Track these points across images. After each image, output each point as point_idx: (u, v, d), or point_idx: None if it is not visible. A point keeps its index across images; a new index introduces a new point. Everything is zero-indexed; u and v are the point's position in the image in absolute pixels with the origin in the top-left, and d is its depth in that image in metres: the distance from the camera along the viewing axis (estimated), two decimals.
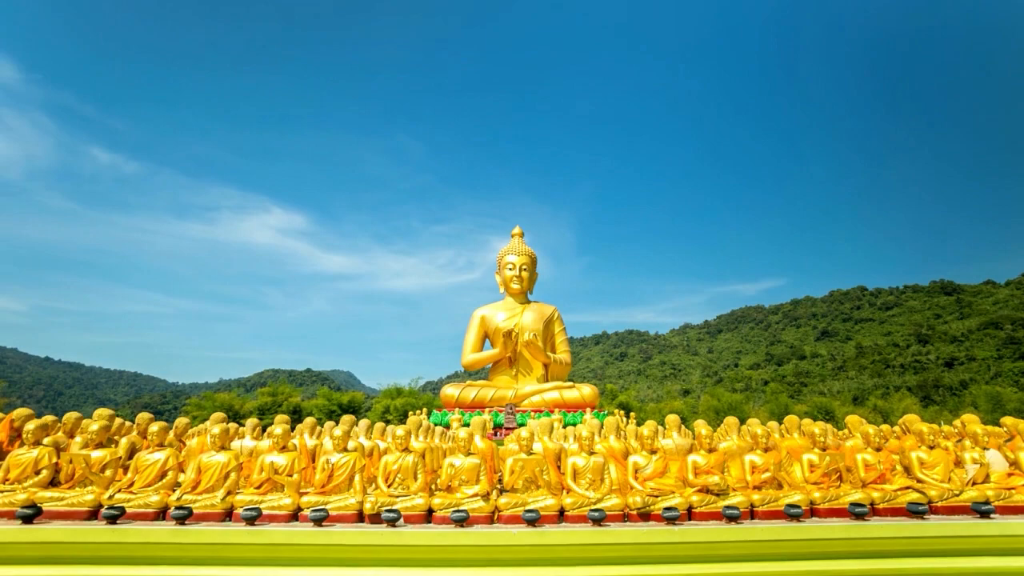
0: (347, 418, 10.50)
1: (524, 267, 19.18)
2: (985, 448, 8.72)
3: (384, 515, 7.05)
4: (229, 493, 7.46)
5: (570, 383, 17.61)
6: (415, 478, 7.89)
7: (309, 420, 10.79)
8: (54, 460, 7.75)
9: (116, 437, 9.02)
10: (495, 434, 14.62)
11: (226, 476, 7.62)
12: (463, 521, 7.06)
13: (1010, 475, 8.36)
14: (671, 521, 7.22)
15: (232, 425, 9.77)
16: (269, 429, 8.91)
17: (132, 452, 8.45)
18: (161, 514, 7.30)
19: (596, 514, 7.21)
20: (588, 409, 16.52)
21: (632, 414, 16.17)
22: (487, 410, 16.26)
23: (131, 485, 7.62)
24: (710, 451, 8.51)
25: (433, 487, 7.95)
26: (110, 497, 7.34)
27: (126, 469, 7.97)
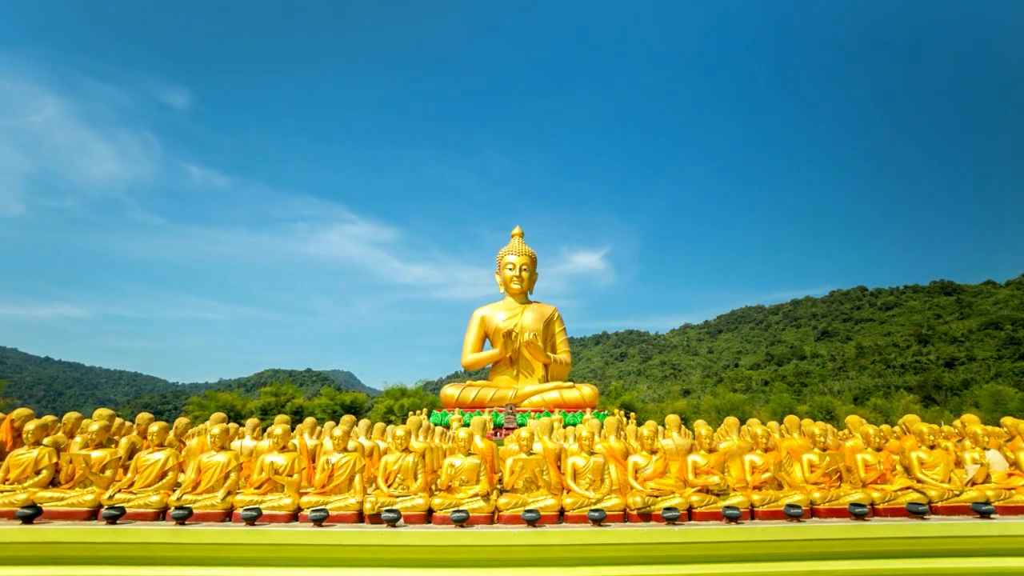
0: (347, 418, 10.49)
1: (524, 267, 19.17)
2: (985, 448, 8.72)
3: (384, 515, 7.05)
4: (229, 493, 7.46)
5: (570, 383, 17.60)
6: (415, 478, 7.88)
7: (309, 420, 10.78)
8: (54, 460, 7.75)
9: (116, 437, 9.02)
10: (495, 434, 14.61)
11: (226, 476, 7.62)
12: (463, 521, 7.06)
13: (1010, 475, 8.36)
14: (671, 521, 7.22)
15: (232, 425, 9.77)
16: (269, 429, 8.91)
17: (132, 452, 8.45)
18: (161, 514, 7.30)
19: (596, 514, 7.20)
20: (588, 409, 16.52)
21: (632, 414, 16.16)
22: (487, 410, 16.25)
23: (131, 485, 7.62)
24: (710, 451, 8.50)
25: (433, 487, 7.95)
26: (110, 497, 7.34)
27: (126, 469, 7.97)
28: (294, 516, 7.33)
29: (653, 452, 8.42)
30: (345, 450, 8.06)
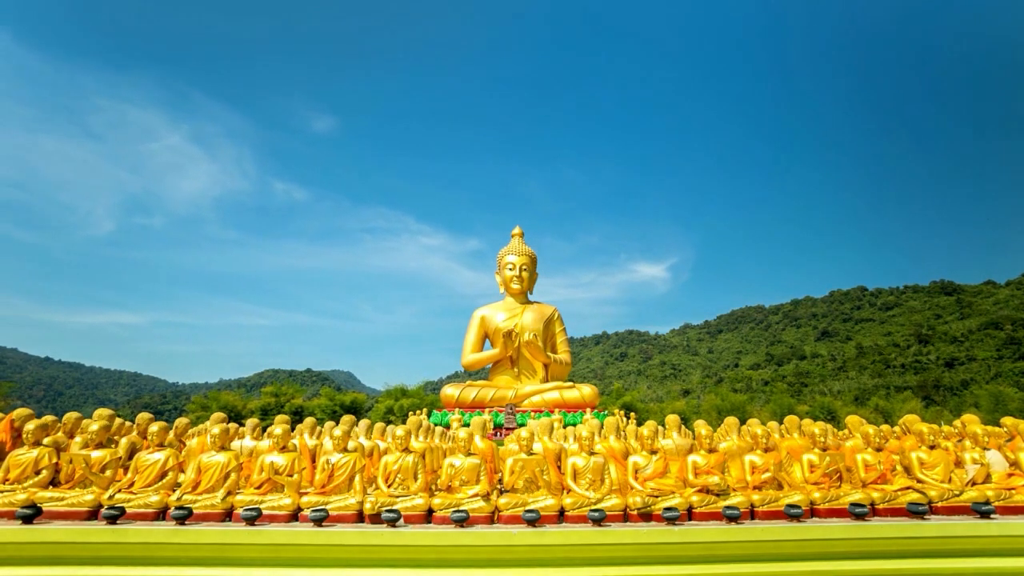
0: (347, 418, 10.49)
1: (524, 267, 19.17)
2: (985, 448, 8.72)
3: (384, 515, 7.05)
4: (229, 493, 7.46)
5: (570, 383, 17.61)
6: (415, 478, 7.88)
7: (309, 420, 10.78)
8: (54, 460, 7.75)
9: (116, 437, 9.02)
10: (495, 434, 14.62)
11: (226, 476, 7.62)
12: (463, 521, 7.06)
13: (1010, 475, 8.36)
14: (671, 521, 7.22)
15: (232, 425, 9.77)
16: (269, 429, 8.91)
17: (132, 452, 8.45)
18: (161, 514, 7.30)
19: (596, 514, 7.21)
20: (588, 409, 16.52)
21: (632, 414, 16.17)
22: (487, 410, 16.26)
23: (131, 485, 7.62)
24: (710, 451, 8.50)
25: (433, 487, 7.95)
26: (110, 497, 7.34)
27: (126, 469, 7.97)
28: (294, 516, 7.33)
29: (653, 452, 8.42)
30: (345, 450, 8.06)
